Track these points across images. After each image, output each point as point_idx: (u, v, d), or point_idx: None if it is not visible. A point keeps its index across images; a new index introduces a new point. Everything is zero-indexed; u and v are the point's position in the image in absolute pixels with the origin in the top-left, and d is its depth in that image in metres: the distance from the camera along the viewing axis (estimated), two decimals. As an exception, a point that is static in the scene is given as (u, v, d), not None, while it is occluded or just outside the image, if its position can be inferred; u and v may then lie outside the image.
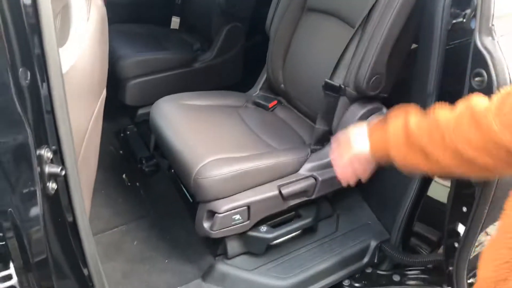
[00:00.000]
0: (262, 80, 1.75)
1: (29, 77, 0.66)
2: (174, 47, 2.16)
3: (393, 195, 1.39)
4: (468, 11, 1.16)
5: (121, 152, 1.94)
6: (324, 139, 1.42)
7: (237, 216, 1.26)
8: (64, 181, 0.78)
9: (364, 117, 1.33)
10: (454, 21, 1.19)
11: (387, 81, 1.31)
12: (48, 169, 0.70)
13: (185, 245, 1.45)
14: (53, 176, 0.72)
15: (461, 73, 1.06)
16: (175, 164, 1.39)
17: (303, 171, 1.35)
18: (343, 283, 1.36)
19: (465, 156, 0.76)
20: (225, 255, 1.36)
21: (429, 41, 1.18)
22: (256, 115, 1.58)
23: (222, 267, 1.32)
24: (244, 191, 1.28)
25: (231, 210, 1.25)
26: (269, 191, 1.30)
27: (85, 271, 0.90)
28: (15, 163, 0.66)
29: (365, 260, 1.40)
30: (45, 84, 0.70)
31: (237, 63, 2.19)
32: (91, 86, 0.90)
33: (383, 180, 1.34)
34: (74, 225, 0.84)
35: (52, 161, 0.73)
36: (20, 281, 0.73)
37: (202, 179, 1.21)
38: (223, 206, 1.24)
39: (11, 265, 0.73)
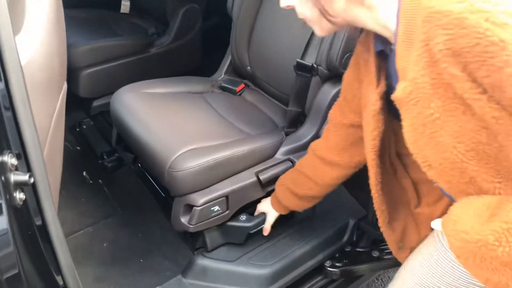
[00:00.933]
0: (226, 63, 1.68)
1: (-18, 72, 0.57)
2: (127, 32, 2.03)
3: (367, 173, 1.40)
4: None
5: (78, 148, 1.81)
6: (297, 121, 1.39)
7: (216, 208, 1.21)
8: (32, 189, 0.69)
9: (336, 96, 1.30)
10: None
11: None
12: (13, 177, 0.62)
13: (159, 242, 1.38)
14: (20, 185, 0.63)
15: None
16: (144, 158, 1.32)
17: (279, 155, 1.33)
18: (325, 264, 1.36)
19: None
20: (204, 248, 1.31)
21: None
22: (224, 100, 1.53)
23: (202, 261, 1.27)
24: (221, 181, 1.23)
25: (209, 202, 1.19)
26: (247, 179, 1.26)
27: (59, 280, 0.83)
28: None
29: (344, 239, 1.41)
30: (1, 80, 0.61)
31: (196, 46, 2.10)
32: (51, 80, 0.80)
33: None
34: (45, 234, 0.76)
35: (17, 168, 0.64)
36: (-10, 303, 0.65)
37: (177, 172, 1.15)
38: (200, 199, 1.19)
39: (-22, 287, 0.65)
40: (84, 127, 1.84)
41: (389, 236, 1.00)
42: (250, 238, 1.33)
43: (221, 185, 1.23)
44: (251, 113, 1.49)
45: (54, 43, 0.79)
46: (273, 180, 1.29)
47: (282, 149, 1.33)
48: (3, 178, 0.60)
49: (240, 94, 1.61)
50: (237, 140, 1.29)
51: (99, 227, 1.44)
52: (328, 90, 1.32)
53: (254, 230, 1.31)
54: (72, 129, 1.85)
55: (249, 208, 1.34)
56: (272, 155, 1.32)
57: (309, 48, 1.32)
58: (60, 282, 0.84)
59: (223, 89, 1.61)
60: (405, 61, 0.66)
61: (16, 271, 0.68)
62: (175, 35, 1.98)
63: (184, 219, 1.21)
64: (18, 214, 0.66)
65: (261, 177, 1.27)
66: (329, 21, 0.76)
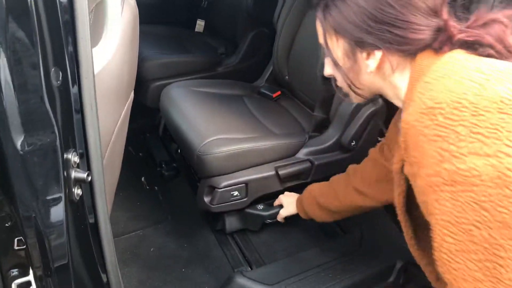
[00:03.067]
0: (268, 72, 1.85)
1: (60, 78, 0.63)
2: (198, 50, 2.14)
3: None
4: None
5: (140, 154, 1.92)
6: (321, 127, 1.48)
7: (236, 193, 1.34)
8: (89, 187, 0.75)
9: (359, 107, 1.39)
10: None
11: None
12: (74, 174, 0.67)
13: (203, 255, 1.41)
14: (79, 182, 0.69)
15: None
16: (180, 143, 1.47)
17: (300, 155, 1.43)
18: (366, 303, 1.30)
19: None
20: (223, 230, 1.44)
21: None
22: (259, 103, 1.67)
23: (241, 280, 1.27)
24: (243, 169, 1.36)
25: (230, 186, 1.33)
26: (267, 171, 1.38)
27: (104, 277, 0.87)
28: (41, 166, 0.63)
29: (390, 280, 1.34)
30: (76, 85, 0.68)
31: (261, 68, 2.15)
32: (119, 88, 0.87)
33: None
34: (96, 230, 0.81)
35: (78, 166, 0.70)
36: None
37: (204, 155, 1.30)
38: (222, 182, 1.33)
39: (30, 271, 0.71)
40: (148, 135, 1.95)
41: None
42: (292, 263, 1.32)
43: (242, 173, 1.35)
44: (281, 116, 1.62)
45: (126, 55, 0.86)
46: (291, 176, 1.40)
47: (304, 150, 1.43)
48: (65, 173, 0.66)
49: (276, 100, 1.74)
50: (262, 135, 1.42)
51: (149, 232, 1.50)
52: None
53: (270, 221, 1.42)
54: (137, 136, 1.97)
55: (268, 200, 1.44)
56: (293, 154, 1.43)
57: None
58: (104, 280, 0.88)
59: (262, 94, 1.76)
60: None
61: (65, 261, 0.73)
62: (242, 57, 2.06)
63: (206, 199, 1.36)
64: (74, 208, 0.71)
65: (280, 172, 1.38)
66: (355, 92, 0.83)
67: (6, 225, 0.65)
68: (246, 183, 1.35)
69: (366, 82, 0.80)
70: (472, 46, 0.68)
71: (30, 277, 0.71)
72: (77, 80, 0.67)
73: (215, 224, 1.47)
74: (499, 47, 0.67)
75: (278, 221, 1.42)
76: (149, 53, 1.96)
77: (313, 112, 1.50)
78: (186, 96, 1.57)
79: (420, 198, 0.66)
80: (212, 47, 2.21)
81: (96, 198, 0.74)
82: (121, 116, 0.92)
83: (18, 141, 0.58)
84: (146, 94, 1.93)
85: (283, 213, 1.39)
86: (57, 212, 0.67)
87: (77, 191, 0.69)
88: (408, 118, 0.65)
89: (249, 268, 1.34)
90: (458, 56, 0.67)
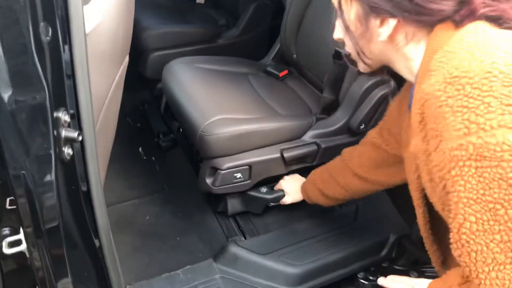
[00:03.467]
0: (275, 50, 1.77)
1: (50, 34, 0.62)
2: (199, 21, 2.10)
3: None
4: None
5: (138, 125, 1.91)
6: (330, 109, 1.42)
7: (239, 175, 1.30)
8: (80, 148, 0.74)
9: (371, 89, 1.34)
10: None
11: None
12: (64, 133, 0.67)
13: (198, 224, 1.42)
14: (69, 141, 0.68)
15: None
16: (182, 122, 1.43)
17: (307, 137, 1.38)
18: (358, 275, 1.31)
19: None
20: (225, 212, 1.41)
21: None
22: (265, 83, 1.60)
23: (234, 249, 1.28)
24: (246, 151, 1.31)
25: (233, 168, 1.29)
26: (271, 154, 1.33)
27: (96, 242, 0.87)
28: (30, 124, 0.62)
29: (383, 253, 1.35)
30: (66, 45, 0.66)
31: (262, 42, 2.12)
32: (113, 51, 0.86)
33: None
34: (87, 194, 0.81)
35: (69, 125, 0.69)
36: (29, 248, 0.71)
37: (207, 135, 1.25)
38: (225, 164, 1.28)
39: (21, 230, 0.71)
40: (147, 106, 1.93)
41: None
42: (285, 235, 1.33)
43: (246, 155, 1.31)
44: (288, 97, 1.55)
45: (120, 18, 0.84)
46: (296, 159, 1.36)
47: (310, 133, 1.38)
48: (55, 132, 0.66)
49: (282, 80, 1.66)
50: (267, 116, 1.37)
51: (145, 201, 1.51)
52: (363, 82, 1.32)
53: (273, 204, 1.39)
54: (136, 107, 1.96)
55: (271, 183, 1.40)
56: (299, 136, 1.38)
57: None
58: (97, 244, 0.88)
59: (268, 73, 1.68)
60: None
61: (56, 223, 0.73)
62: (243, 29, 2.02)
63: (208, 180, 1.31)
64: (65, 168, 0.71)
65: (285, 155, 1.33)
66: (363, 61, 0.80)
67: (-4, 184, 0.65)
68: (250, 165, 1.31)
69: (376, 50, 0.76)
70: (496, 21, 0.65)
71: (21, 236, 0.71)
72: (67, 38, 0.66)
73: (217, 205, 1.44)
74: None
75: (281, 205, 1.39)
76: (149, 23, 1.93)
77: (322, 94, 1.44)
78: (189, 73, 1.51)
79: (436, 174, 0.62)
80: (213, 18, 2.17)
81: (87, 159, 0.74)
82: (115, 80, 0.91)
83: (6, 96, 0.58)
84: (146, 64, 1.90)
85: (288, 201, 1.36)
86: (48, 171, 0.67)
87: (68, 150, 0.69)
88: (428, 89, 0.61)
89: (243, 238, 1.35)
90: (483, 27, 0.64)
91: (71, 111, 0.71)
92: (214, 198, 1.44)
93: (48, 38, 0.61)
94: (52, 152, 0.65)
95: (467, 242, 0.60)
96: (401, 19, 0.68)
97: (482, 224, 0.58)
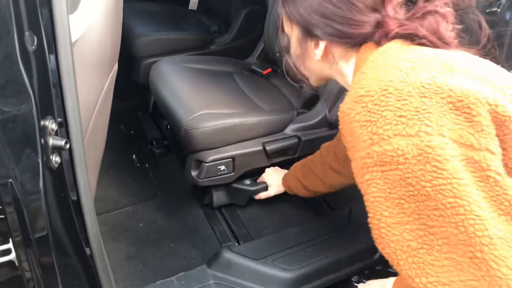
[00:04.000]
0: (259, 49, 1.85)
1: (35, 43, 0.62)
2: (191, 28, 2.11)
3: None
4: (503, 0, 1.10)
5: (132, 132, 1.92)
6: (310, 103, 1.49)
7: (223, 167, 1.36)
8: (68, 156, 0.74)
9: None
10: (487, 11, 1.13)
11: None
12: (52, 141, 0.67)
13: (191, 230, 1.42)
14: (57, 149, 0.68)
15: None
16: (169, 119, 1.47)
17: (288, 131, 1.43)
18: (352, 279, 1.32)
19: None
20: (211, 204, 1.47)
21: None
22: (249, 80, 1.65)
23: (228, 254, 1.28)
24: (230, 144, 1.36)
25: (217, 161, 1.34)
26: (254, 146, 1.39)
27: (87, 250, 0.87)
28: (17, 133, 0.63)
29: (376, 256, 1.35)
30: (52, 54, 0.67)
31: (254, 47, 2.13)
32: (102, 58, 0.86)
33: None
34: (77, 202, 0.81)
35: (56, 134, 0.69)
36: (18, 256, 0.70)
37: (192, 130, 1.30)
38: (209, 156, 1.34)
39: (10, 239, 0.71)
40: (140, 113, 1.94)
41: None
42: (278, 239, 1.33)
43: (229, 148, 1.36)
44: (270, 92, 1.61)
45: (109, 25, 0.84)
46: (278, 152, 1.42)
47: (292, 126, 1.44)
48: (42, 140, 0.66)
49: (266, 78, 1.72)
50: (250, 111, 1.42)
51: (139, 208, 1.51)
52: None
53: (256, 196, 1.44)
54: (129, 114, 1.96)
55: (255, 176, 1.45)
56: (281, 130, 1.43)
57: None
58: (88, 253, 0.88)
59: (252, 71, 1.74)
60: None
61: (45, 232, 0.73)
62: (235, 35, 2.04)
63: (194, 173, 1.36)
64: (53, 176, 0.71)
65: (267, 148, 1.39)
66: (302, 75, 0.92)
67: (-16, 192, 0.64)
68: (233, 157, 1.36)
69: (315, 68, 0.88)
70: (409, 37, 0.74)
71: (10, 245, 0.71)
72: (53, 46, 0.66)
73: (203, 198, 1.49)
74: (432, 37, 0.74)
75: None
76: (142, 30, 1.93)
77: (302, 89, 1.50)
78: (176, 71, 1.56)
79: (357, 180, 0.70)
80: (205, 25, 2.19)
81: (76, 167, 0.74)
82: (104, 88, 0.91)
83: (-8, 106, 0.58)
84: (138, 71, 1.91)
85: (271, 193, 1.41)
86: (35, 180, 0.67)
87: (56, 158, 0.69)
88: (342, 107, 0.70)
89: (237, 244, 1.35)
90: (393, 47, 0.73)
91: (59, 120, 0.71)
92: (201, 191, 1.50)
93: (33, 47, 0.61)
94: (39, 160, 0.65)
95: (386, 234, 0.67)
96: (327, 42, 0.80)
97: (394, 217, 0.66)
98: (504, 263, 0.60)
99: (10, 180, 0.63)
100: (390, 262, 0.70)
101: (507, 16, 1.09)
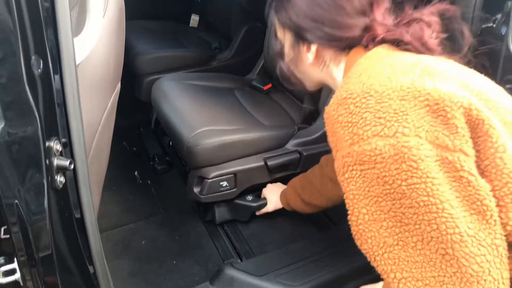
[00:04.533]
0: (259, 65, 1.88)
1: (41, 66, 0.63)
2: (192, 45, 2.14)
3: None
4: (498, 16, 1.12)
5: (134, 148, 1.93)
6: (311, 118, 1.52)
7: (225, 183, 1.37)
8: (73, 175, 0.75)
9: None
10: (483, 26, 1.15)
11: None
12: (56, 161, 0.68)
13: (194, 247, 1.42)
14: (62, 169, 0.69)
15: (490, 79, 1.01)
16: (171, 136, 1.48)
17: (289, 146, 1.45)
18: (355, 294, 1.31)
19: None
20: (213, 221, 1.47)
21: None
22: (250, 96, 1.68)
23: (230, 271, 1.28)
24: (231, 160, 1.37)
25: (219, 177, 1.35)
26: (255, 162, 1.40)
27: (91, 269, 0.87)
28: (23, 154, 0.64)
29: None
30: (57, 75, 0.68)
31: (254, 63, 2.15)
32: (105, 79, 0.88)
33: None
34: (81, 221, 0.82)
35: (61, 154, 0.71)
36: (23, 276, 0.71)
37: (194, 146, 1.31)
38: (211, 173, 1.35)
39: (15, 259, 0.71)
40: (142, 130, 1.95)
41: None
42: (280, 255, 1.32)
43: (231, 164, 1.37)
44: (271, 108, 1.63)
45: (111, 46, 0.86)
46: (280, 167, 1.42)
47: (293, 141, 1.45)
48: (47, 161, 0.67)
49: (267, 93, 1.75)
50: (251, 127, 1.43)
51: (141, 225, 1.51)
52: None
53: (258, 212, 1.45)
54: (132, 131, 1.97)
55: (257, 191, 1.46)
56: (282, 145, 1.44)
57: None
58: (92, 271, 0.88)
59: (253, 87, 1.76)
60: None
61: (49, 251, 0.74)
62: (236, 51, 2.06)
63: (196, 190, 1.37)
64: (57, 196, 0.72)
65: (269, 163, 1.39)
66: (297, 79, 0.95)
67: (-11, 213, 0.65)
68: (235, 173, 1.37)
69: (308, 72, 0.92)
70: (395, 43, 0.79)
71: (15, 265, 0.71)
72: (58, 68, 0.67)
73: (205, 215, 1.49)
74: (416, 44, 0.78)
75: (267, 213, 1.44)
76: (143, 48, 1.96)
77: (303, 104, 1.52)
78: (177, 88, 1.58)
79: (338, 178, 0.72)
80: (206, 41, 2.22)
81: (80, 186, 0.75)
82: (108, 107, 0.93)
83: (-1, 128, 0.59)
84: (140, 88, 1.93)
85: (270, 208, 1.43)
86: (40, 200, 0.67)
87: (60, 178, 0.70)
88: (327, 109, 0.74)
89: (239, 260, 1.35)
90: (380, 52, 0.77)
91: (63, 140, 0.72)
92: (203, 208, 1.51)
93: (39, 70, 0.63)
94: (44, 181, 0.66)
95: (364, 231, 0.70)
96: (318, 45, 0.83)
97: (372, 214, 0.68)
98: (475, 260, 0.62)
99: (16, 201, 0.64)
100: (368, 258, 0.72)
101: (502, 31, 1.11)
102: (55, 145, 0.68)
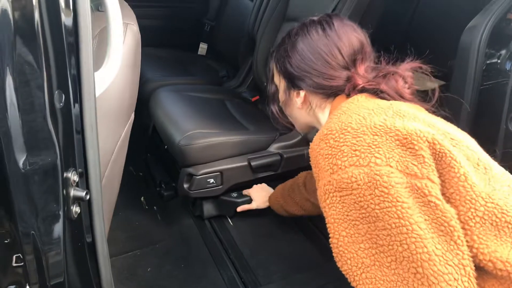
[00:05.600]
0: (249, 79, 2.06)
1: (63, 100, 0.66)
2: (201, 72, 2.19)
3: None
4: (503, 52, 1.15)
5: (140, 174, 1.94)
6: (292, 125, 1.66)
7: (212, 180, 1.52)
8: (87, 205, 0.77)
9: None
10: (488, 62, 1.18)
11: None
12: (73, 192, 0.69)
13: (199, 276, 1.41)
14: (77, 200, 0.71)
15: (496, 115, 1.03)
16: (165, 139, 1.61)
17: (271, 149, 1.62)
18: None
19: None
20: (201, 216, 1.63)
21: (462, 80, 1.18)
22: (238, 105, 1.87)
23: (236, 301, 1.28)
24: (218, 160, 1.53)
25: (206, 174, 1.50)
26: (240, 162, 1.56)
27: (100, 298, 0.88)
28: (42, 185, 0.65)
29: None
30: (77, 107, 0.71)
31: (261, 92, 2.20)
32: (120, 110, 0.90)
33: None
34: (92, 248, 0.83)
35: (77, 185, 0.72)
36: (34, 305, 0.71)
37: (184, 146, 1.46)
38: (200, 170, 1.50)
39: (28, 287, 0.72)
40: (149, 155, 1.97)
41: None
42: (288, 286, 1.32)
43: (218, 163, 1.53)
44: (257, 116, 1.80)
45: (128, 79, 0.89)
46: (262, 167, 1.59)
47: (275, 145, 1.63)
48: (64, 191, 0.68)
49: (255, 104, 1.92)
50: (237, 130, 1.60)
51: (147, 252, 1.51)
52: None
53: (240, 209, 1.60)
54: (139, 156, 1.99)
55: (242, 189, 1.62)
56: (265, 147, 1.62)
57: None
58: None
59: (242, 98, 1.96)
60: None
61: (61, 279, 0.74)
62: (242, 80, 2.10)
63: (186, 186, 1.52)
64: (71, 226, 0.73)
65: (252, 163, 1.56)
66: (287, 122, 1.11)
67: (6, 241, 0.66)
68: (221, 171, 1.52)
69: (297, 115, 1.06)
70: (374, 92, 0.91)
71: (27, 294, 0.72)
72: (79, 101, 0.70)
73: (195, 210, 1.64)
74: (391, 92, 0.90)
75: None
76: (152, 75, 2.00)
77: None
78: (173, 98, 1.75)
79: (321, 205, 0.79)
80: (214, 69, 2.26)
81: (94, 216, 0.76)
82: (121, 137, 0.95)
83: (21, 160, 0.61)
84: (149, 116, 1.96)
85: (253, 206, 1.58)
86: (56, 230, 0.69)
87: (76, 209, 0.71)
88: (311, 145, 0.83)
89: (245, 290, 1.35)
90: (359, 98, 0.88)
91: (80, 170, 0.74)
92: (192, 204, 1.66)
93: (61, 104, 0.65)
94: (61, 211, 0.67)
95: (343, 252, 0.75)
96: (306, 91, 0.97)
97: (351, 236, 0.74)
98: (443, 279, 0.67)
99: (32, 231, 0.65)
100: (348, 279, 0.77)
101: (507, 66, 1.14)
102: (72, 176, 0.69)
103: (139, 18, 1.03)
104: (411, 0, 2.25)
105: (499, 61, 1.16)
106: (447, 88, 1.30)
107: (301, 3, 1.80)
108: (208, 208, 1.62)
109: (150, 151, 1.98)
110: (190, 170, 1.50)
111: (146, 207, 1.74)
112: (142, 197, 1.78)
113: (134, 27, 0.92)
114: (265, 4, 1.92)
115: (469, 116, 1.18)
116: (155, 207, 1.73)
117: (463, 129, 1.17)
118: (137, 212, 1.70)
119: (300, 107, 1.01)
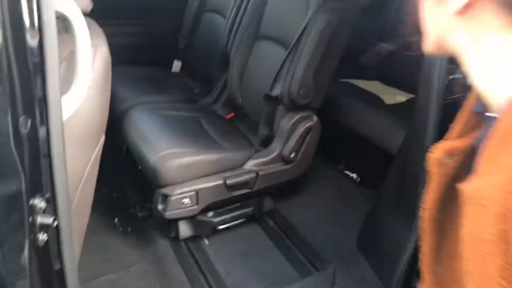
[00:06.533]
0: (224, 97, 2.04)
1: (29, 125, 0.64)
2: (175, 90, 2.18)
3: (391, 249, 1.36)
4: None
5: (114, 194, 1.90)
6: (267, 142, 1.68)
7: (187, 200, 1.48)
8: (55, 231, 0.74)
9: (297, 123, 1.63)
10: (450, 77, 1.21)
11: (315, 93, 1.62)
12: (39, 219, 0.67)
13: (175, 297, 1.39)
14: (44, 227, 0.69)
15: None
16: (139, 160, 1.58)
17: (247, 166, 1.60)
18: None
19: None
20: (177, 237, 1.58)
21: (427, 95, 1.21)
22: (213, 122, 1.84)
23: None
24: (193, 179, 1.49)
25: (181, 194, 1.46)
26: (215, 181, 1.52)
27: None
28: (6, 213, 0.63)
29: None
30: (44, 130, 0.69)
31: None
32: (89, 133, 0.89)
33: (379, 232, 1.33)
34: (61, 276, 0.80)
35: (44, 211, 0.70)
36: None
37: (158, 167, 1.44)
38: (174, 191, 1.46)
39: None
40: (123, 176, 1.94)
41: None
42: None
43: (193, 183, 1.49)
44: (232, 133, 1.78)
45: (97, 101, 0.88)
46: (238, 185, 1.57)
47: (251, 162, 1.61)
48: (30, 219, 0.66)
49: (229, 121, 1.91)
50: (212, 149, 1.58)
51: (121, 275, 1.47)
52: (290, 117, 1.63)
53: (220, 227, 1.61)
54: (114, 177, 1.96)
55: (218, 209, 1.61)
56: (240, 165, 1.60)
57: (276, 83, 1.63)
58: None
59: (216, 116, 1.94)
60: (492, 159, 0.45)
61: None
62: (217, 97, 2.10)
63: (160, 207, 1.47)
64: (39, 253, 0.71)
65: (228, 182, 1.53)
66: None
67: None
68: (197, 191, 1.49)
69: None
70: None
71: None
72: (45, 125, 0.68)
73: (170, 231, 1.59)
74: None
75: (230, 228, 1.61)
76: (125, 94, 1.98)
77: (259, 129, 1.68)
78: (146, 117, 1.73)
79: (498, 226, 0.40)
80: (188, 87, 2.26)
81: (62, 243, 0.74)
82: (92, 159, 0.93)
83: (-17, 189, 0.59)
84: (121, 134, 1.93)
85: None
86: (21, 259, 0.66)
87: (42, 236, 0.69)
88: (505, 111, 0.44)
89: (223, 310, 1.33)
90: None
91: (47, 195, 0.72)
92: (168, 224, 1.60)
93: (27, 129, 0.64)
94: (26, 239, 0.65)
95: None
96: None
97: None
98: None
99: (-4, 261, 0.63)
100: None
101: (468, 81, 1.18)
102: (39, 203, 0.68)
103: (110, 36, 1.03)
104: (384, 9, 2.31)
105: (461, 76, 1.20)
106: (413, 101, 1.33)
107: (273, 21, 1.83)
108: (184, 229, 1.58)
109: (124, 172, 1.95)
110: (165, 190, 1.47)
111: (121, 228, 1.70)
112: (116, 219, 1.74)
113: (104, 48, 0.92)
114: (238, 21, 1.94)
115: (435, 130, 1.21)
116: (129, 229, 1.70)
117: (431, 141, 1.20)
118: (111, 234, 1.66)
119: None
